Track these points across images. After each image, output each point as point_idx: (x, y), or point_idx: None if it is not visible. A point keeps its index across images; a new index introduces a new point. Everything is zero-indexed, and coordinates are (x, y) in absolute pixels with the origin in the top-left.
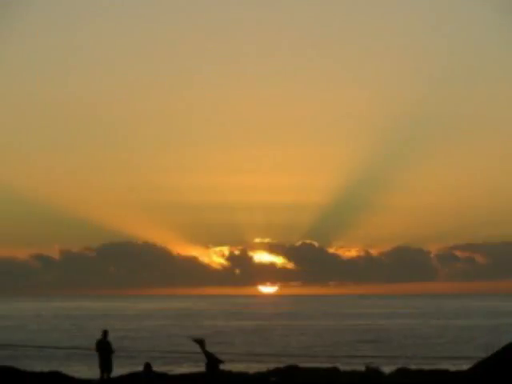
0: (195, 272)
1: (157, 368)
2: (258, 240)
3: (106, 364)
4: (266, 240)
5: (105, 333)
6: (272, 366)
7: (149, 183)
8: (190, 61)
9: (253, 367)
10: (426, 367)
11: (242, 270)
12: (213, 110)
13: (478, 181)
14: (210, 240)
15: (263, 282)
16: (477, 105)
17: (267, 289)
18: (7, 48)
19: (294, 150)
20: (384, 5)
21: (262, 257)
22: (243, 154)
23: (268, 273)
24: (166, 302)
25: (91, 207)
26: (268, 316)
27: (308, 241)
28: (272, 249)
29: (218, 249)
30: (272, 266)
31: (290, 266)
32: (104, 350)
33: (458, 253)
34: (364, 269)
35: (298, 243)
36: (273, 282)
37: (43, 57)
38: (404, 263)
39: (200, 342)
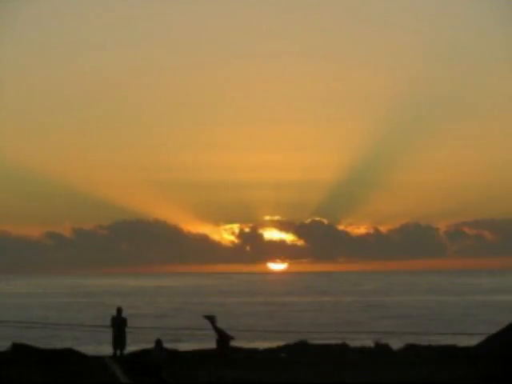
0: (206, 249)
1: (168, 344)
2: (268, 218)
3: (119, 341)
4: (276, 217)
5: (119, 310)
6: (282, 342)
7: (160, 162)
8: (203, 45)
9: (263, 343)
10: (435, 343)
11: (253, 248)
12: (224, 90)
13: (486, 157)
14: (221, 218)
15: (273, 259)
16: (483, 85)
17: (277, 266)
18: (28, 28)
19: (304, 129)
20: None
21: (272, 234)
22: (253, 132)
23: (278, 250)
24: (177, 279)
25: (103, 185)
26: (278, 293)
27: (317, 218)
28: (282, 226)
29: (228, 226)
30: (282, 243)
31: (300, 243)
32: (118, 326)
33: (466, 229)
34: (373, 245)
35: (308, 220)
36: (283, 259)
37: (60, 37)
38: (413, 240)
39: (211, 319)
